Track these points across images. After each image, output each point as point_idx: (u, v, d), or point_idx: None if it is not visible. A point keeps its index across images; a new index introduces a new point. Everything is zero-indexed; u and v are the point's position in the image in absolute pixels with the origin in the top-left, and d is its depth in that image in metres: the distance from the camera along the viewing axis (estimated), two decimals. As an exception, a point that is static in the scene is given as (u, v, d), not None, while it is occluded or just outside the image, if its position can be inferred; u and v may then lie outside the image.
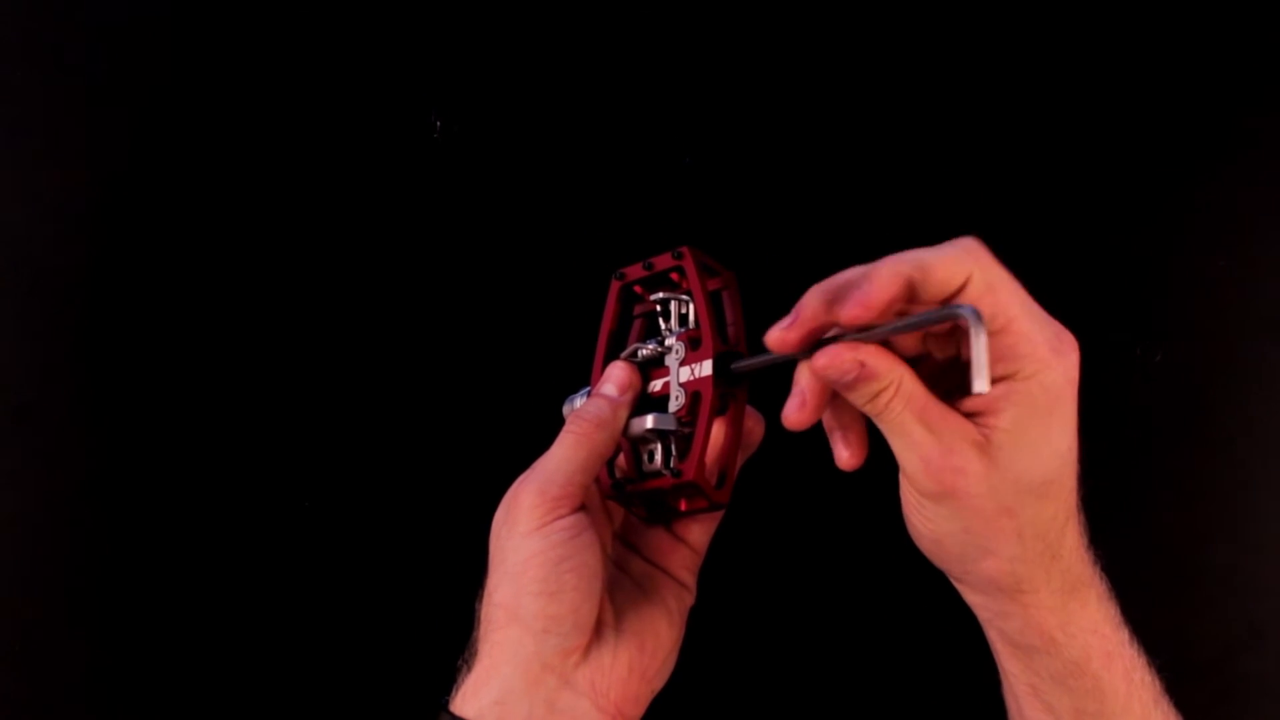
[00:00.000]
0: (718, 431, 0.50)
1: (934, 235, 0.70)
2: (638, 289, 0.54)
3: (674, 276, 0.53)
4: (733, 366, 0.49)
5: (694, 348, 0.50)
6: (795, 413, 0.43)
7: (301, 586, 0.71)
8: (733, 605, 0.66)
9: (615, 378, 0.51)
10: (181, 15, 0.74)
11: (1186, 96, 0.68)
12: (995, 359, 0.40)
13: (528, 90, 0.73)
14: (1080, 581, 0.44)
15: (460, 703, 0.46)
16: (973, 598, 0.46)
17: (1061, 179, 0.69)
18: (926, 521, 0.43)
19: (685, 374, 0.50)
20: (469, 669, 0.47)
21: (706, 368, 0.49)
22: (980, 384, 0.37)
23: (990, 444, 0.41)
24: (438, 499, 0.71)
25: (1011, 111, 0.69)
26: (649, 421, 0.49)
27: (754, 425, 0.52)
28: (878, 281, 0.39)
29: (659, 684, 0.50)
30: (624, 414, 0.50)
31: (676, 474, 0.48)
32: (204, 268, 0.73)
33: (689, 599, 0.52)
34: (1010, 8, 0.70)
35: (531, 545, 0.46)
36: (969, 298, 0.39)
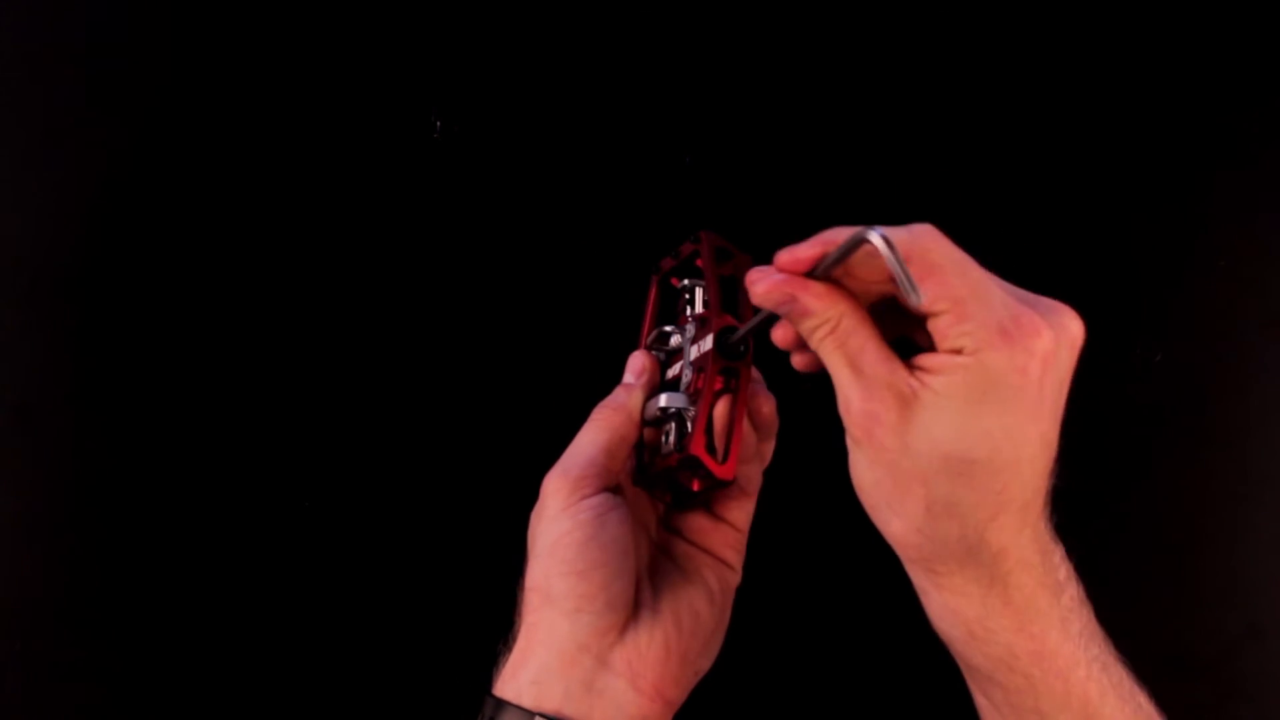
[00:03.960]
0: (723, 408, 0.50)
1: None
2: (674, 280, 0.55)
3: (698, 263, 0.54)
4: (730, 339, 0.50)
5: (702, 326, 0.51)
6: (779, 329, 0.46)
7: (302, 586, 0.71)
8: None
9: (631, 365, 0.53)
10: (182, 14, 0.74)
11: (1187, 96, 0.69)
12: (942, 337, 0.40)
13: (528, 90, 0.73)
14: (1004, 581, 0.42)
15: (500, 685, 0.46)
16: (907, 567, 0.45)
17: (1062, 179, 0.69)
18: (852, 466, 0.44)
19: (694, 352, 0.51)
20: (508, 651, 0.48)
21: (708, 343, 0.50)
22: (913, 298, 0.37)
23: (916, 400, 0.41)
24: (438, 498, 0.71)
25: (1013, 111, 0.69)
26: (661, 400, 0.50)
27: (762, 403, 0.52)
28: (810, 243, 0.42)
29: (703, 665, 0.50)
30: (640, 396, 0.51)
31: (680, 450, 0.49)
32: (204, 268, 0.73)
33: (734, 579, 0.52)
34: (1012, 7, 0.70)
35: (559, 527, 0.46)
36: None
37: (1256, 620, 0.66)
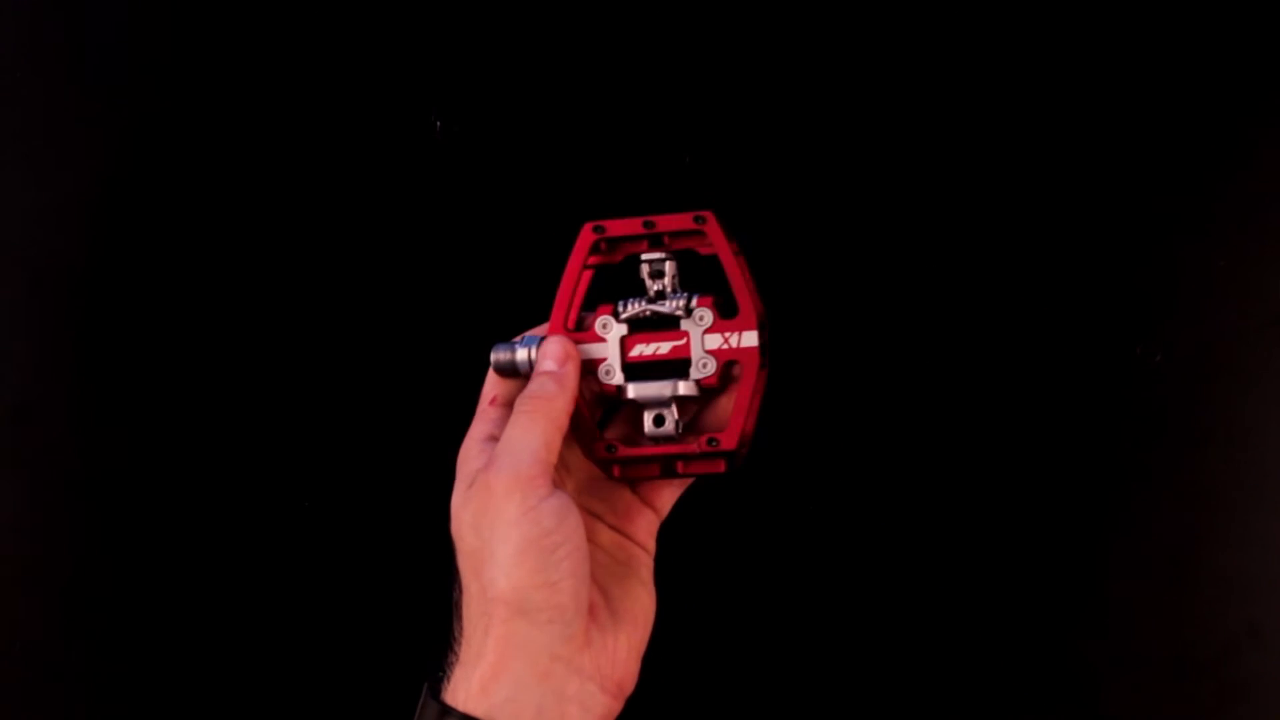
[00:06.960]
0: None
1: (934, 233, 0.70)
2: (603, 245, 0.55)
3: (666, 239, 0.54)
4: (765, 338, 0.51)
5: (724, 314, 0.51)
6: None
7: (302, 586, 0.71)
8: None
9: (552, 353, 0.52)
10: (182, 14, 0.74)
11: (1186, 96, 0.68)
12: None
13: (528, 90, 0.73)
14: None
15: (466, 699, 0.46)
16: None
17: (1061, 178, 0.69)
18: None
19: (714, 341, 0.50)
20: (459, 661, 0.47)
21: (749, 339, 0.50)
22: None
23: None
24: (439, 498, 0.71)
25: (1012, 110, 0.69)
26: (679, 388, 0.51)
27: None
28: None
29: (644, 651, 0.51)
30: (573, 384, 0.50)
31: (713, 443, 0.49)
32: (204, 267, 0.73)
33: (651, 560, 0.54)
34: (1011, 8, 0.70)
35: (522, 533, 0.45)
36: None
37: (1256, 620, 0.66)
